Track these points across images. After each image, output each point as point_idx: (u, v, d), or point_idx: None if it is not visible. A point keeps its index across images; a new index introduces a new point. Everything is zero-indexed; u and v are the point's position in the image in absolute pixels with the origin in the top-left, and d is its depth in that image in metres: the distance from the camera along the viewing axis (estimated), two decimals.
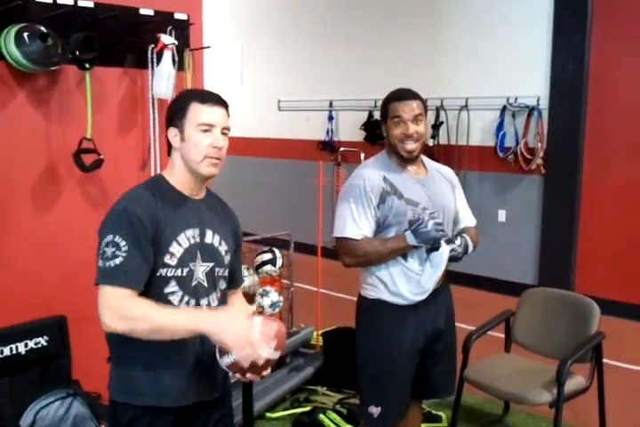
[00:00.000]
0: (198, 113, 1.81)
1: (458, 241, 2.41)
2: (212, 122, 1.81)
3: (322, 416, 3.34)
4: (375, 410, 2.51)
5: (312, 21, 7.06)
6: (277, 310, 3.86)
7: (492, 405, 3.61)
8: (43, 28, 2.36)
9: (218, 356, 1.75)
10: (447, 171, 2.68)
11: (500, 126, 5.68)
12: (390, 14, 6.41)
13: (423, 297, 2.46)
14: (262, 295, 3.78)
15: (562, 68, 5.41)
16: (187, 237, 1.84)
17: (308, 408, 3.48)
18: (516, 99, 5.59)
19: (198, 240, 1.87)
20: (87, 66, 2.51)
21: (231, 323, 1.69)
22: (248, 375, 1.73)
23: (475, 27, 5.86)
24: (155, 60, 2.76)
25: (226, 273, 1.96)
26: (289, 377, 3.66)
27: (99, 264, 1.75)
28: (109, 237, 1.74)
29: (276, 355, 1.71)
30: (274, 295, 3.81)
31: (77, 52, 2.46)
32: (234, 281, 2.05)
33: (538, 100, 5.50)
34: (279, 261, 3.91)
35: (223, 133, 1.84)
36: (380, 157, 2.54)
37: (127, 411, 1.84)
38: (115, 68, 2.73)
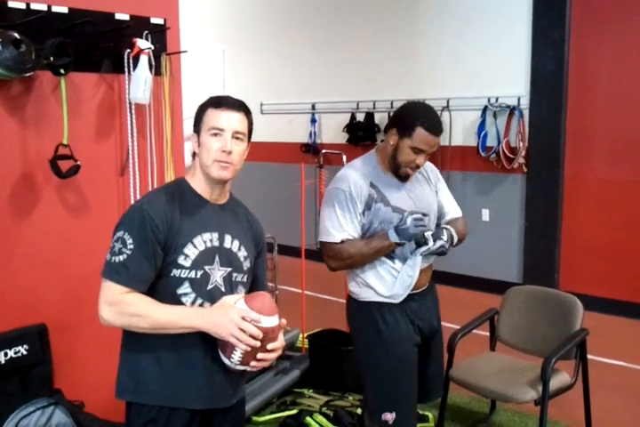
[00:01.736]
0: (210, 117, 1.85)
1: (445, 236, 2.39)
2: (220, 126, 1.83)
3: (308, 419, 3.33)
4: (390, 416, 2.48)
5: (294, 24, 7.06)
6: None
7: (478, 403, 3.62)
8: (16, 34, 2.33)
9: (225, 359, 1.78)
10: (427, 167, 2.63)
11: (482, 126, 5.71)
12: (371, 17, 6.43)
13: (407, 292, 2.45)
14: None
15: (541, 68, 5.45)
16: (203, 240, 1.85)
17: (294, 411, 3.46)
18: (497, 99, 5.63)
19: (217, 244, 1.88)
20: (62, 71, 2.48)
21: (220, 315, 1.72)
22: (265, 357, 1.76)
23: (455, 28, 5.89)
24: (131, 64, 2.74)
25: (244, 279, 1.96)
26: (275, 380, 3.65)
27: (106, 257, 1.79)
28: (120, 233, 1.79)
29: (274, 320, 1.75)
30: None
31: (52, 58, 2.44)
32: (256, 288, 2.03)
33: (519, 99, 5.53)
34: None
35: (236, 138, 1.85)
36: (367, 160, 2.50)
37: (141, 412, 1.84)
38: (91, 73, 2.70)
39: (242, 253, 1.95)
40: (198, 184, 1.91)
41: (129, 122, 2.81)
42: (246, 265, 1.96)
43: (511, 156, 5.56)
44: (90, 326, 2.70)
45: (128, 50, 2.73)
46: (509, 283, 4.73)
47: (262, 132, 7.33)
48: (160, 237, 1.77)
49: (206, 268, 1.85)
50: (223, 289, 1.88)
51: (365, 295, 2.49)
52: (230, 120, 1.84)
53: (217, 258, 1.87)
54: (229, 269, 1.90)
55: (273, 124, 7.20)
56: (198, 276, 1.83)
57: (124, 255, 1.75)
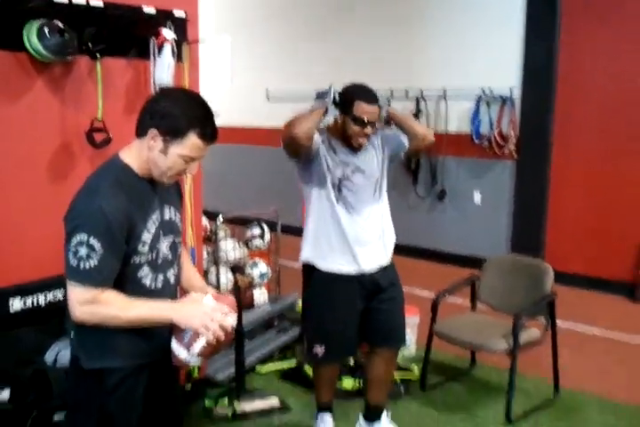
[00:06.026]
0: (189, 145, 1.81)
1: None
2: (196, 156, 1.85)
3: (306, 368, 3.71)
4: (320, 349, 2.86)
5: (299, 14, 7.38)
6: (266, 280, 4.21)
7: (460, 360, 4.00)
8: (60, 24, 2.72)
9: (183, 349, 1.84)
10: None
11: (476, 115, 6.03)
12: (374, 9, 6.75)
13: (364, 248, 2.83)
14: (252, 267, 4.15)
15: (533, 60, 5.73)
16: (152, 222, 1.90)
17: (294, 364, 3.87)
18: (491, 89, 5.96)
19: (160, 219, 1.94)
20: (98, 56, 2.89)
21: (195, 308, 1.83)
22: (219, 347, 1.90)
23: (451, 21, 6.22)
24: (156, 51, 3.13)
25: (180, 238, 2.06)
26: (277, 337, 4.08)
27: (71, 262, 1.77)
28: (83, 237, 1.74)
29: (234, 319, 1.90)
30: (262, 267, 4.17)
31: (89, 44, 2.84)
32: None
33: (511, 90, 5.84)
34: (267, 236, 4.27)
35: None
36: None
37: (112, 374, 1.91)
38: (121, 58, 3.09)
39: (177, 217, 2.02)
40: (141, 167, 1.88)
41: None
42: (180, 225, 2.05)
43: (502, 143, 5.89)
44: None
45: (154, 38, 3.11)
46: None
47: (269, 119, 7.63)
48: (124, 234, 1.80)
49: (157, 245, 1.92)
50: (170, 257, 1.98)
51: (307, 258, 2.94)
52: (205, 152, 1.86)
53: (161, 232, 1.93)
54: (172, 236, 1.99)
55: (279, 111, 7.49)
56: (153, 256, 1.91)
57: (95, 261, 1.74)
